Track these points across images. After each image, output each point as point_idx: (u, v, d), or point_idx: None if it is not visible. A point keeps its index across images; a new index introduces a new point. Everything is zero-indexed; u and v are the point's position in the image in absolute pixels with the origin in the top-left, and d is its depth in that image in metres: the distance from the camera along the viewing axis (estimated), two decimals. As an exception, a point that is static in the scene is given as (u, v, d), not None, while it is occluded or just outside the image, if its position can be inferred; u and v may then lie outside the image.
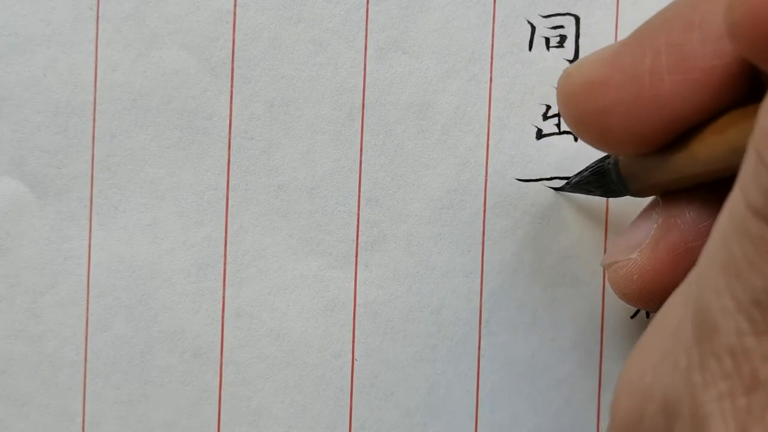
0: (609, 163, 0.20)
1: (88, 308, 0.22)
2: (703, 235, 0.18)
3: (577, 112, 0.18)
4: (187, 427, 0.22)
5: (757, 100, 0.16)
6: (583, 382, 0.23)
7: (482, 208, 0.23)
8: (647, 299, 0.19)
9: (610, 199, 0.23)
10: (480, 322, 0.23)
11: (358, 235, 0.22)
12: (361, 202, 0.22)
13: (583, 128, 0.18)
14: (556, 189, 0.23)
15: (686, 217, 0.18)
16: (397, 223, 0.23)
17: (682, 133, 0.17)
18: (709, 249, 0.13)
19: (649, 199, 0.21)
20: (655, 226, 0.19)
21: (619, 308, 0.23)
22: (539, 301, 0.23)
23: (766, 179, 0.12)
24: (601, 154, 0.21)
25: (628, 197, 0.20)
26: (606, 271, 0.20)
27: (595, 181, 0.21)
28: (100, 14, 0.21)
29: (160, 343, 0.22)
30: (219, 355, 0.22)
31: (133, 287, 0.22)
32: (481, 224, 0.23)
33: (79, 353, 0.22)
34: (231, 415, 0.22)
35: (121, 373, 0.22)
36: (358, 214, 0.22)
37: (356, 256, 0.22)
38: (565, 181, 0.22)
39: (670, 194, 0.19)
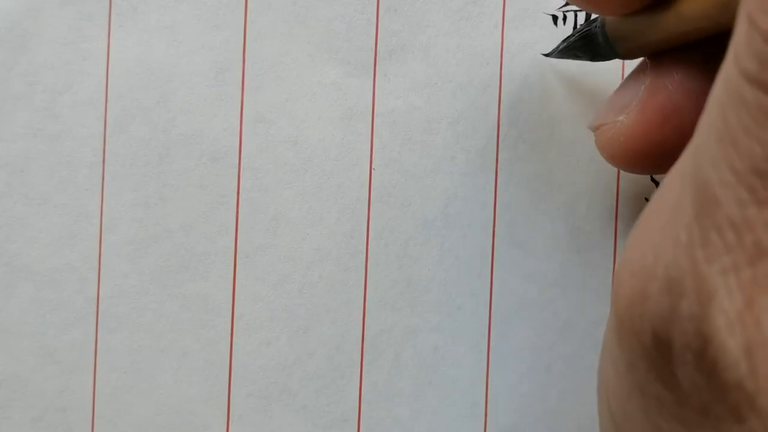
0: (596, 26, 0.20)
1: (106, 109, 0.22)
2: (691, 96, 0.18)
3: None
4: (204, 231, 0.22)
5: None
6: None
7: (501, 21, 0.23)
8: (633, 161, 0.19)
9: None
10: (498, 136, 0.23)
11: (376, 44, 0.22)
12: (380, 10, 0.22)
13: None
14: (545, 55, 0.22)
15: (674, 78, 0.18)
16: (415, 33, 0.22)
17: None
18: (704, 120, 0.13)
19: (637, 62, 0.20)
20: (643, 87, 0.19)
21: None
22: (556, 117, 0.23)
23: (758, 45, 0.12)
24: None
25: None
26: (594, 134, 0.20)
27: (583, 45, 0.21)
28: None
29: (178, 146, 0.22)
30: (237, 160, 0.22)
31: (151, 89, 0.22)
32: (500, 37, 0.23)
33: (97, 154, 0.22)
34: (248, 220, 0.22)
35: (139, 176, 0.22)
36: (377, 23, 0.22)
37: (375, 66, 0.22)
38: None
39: (658, 55, 0.19)
